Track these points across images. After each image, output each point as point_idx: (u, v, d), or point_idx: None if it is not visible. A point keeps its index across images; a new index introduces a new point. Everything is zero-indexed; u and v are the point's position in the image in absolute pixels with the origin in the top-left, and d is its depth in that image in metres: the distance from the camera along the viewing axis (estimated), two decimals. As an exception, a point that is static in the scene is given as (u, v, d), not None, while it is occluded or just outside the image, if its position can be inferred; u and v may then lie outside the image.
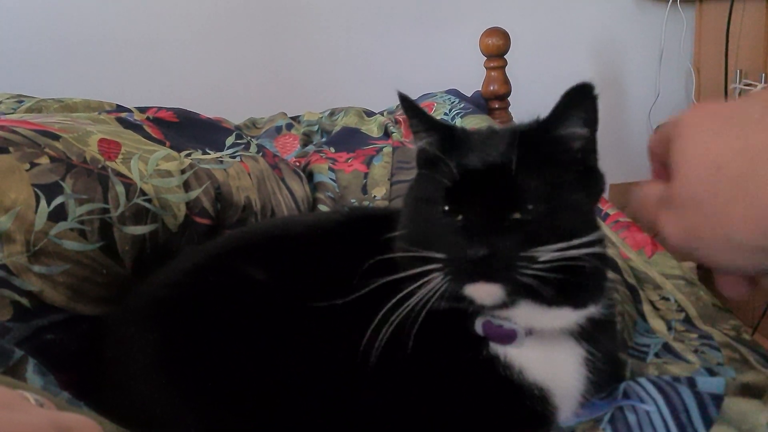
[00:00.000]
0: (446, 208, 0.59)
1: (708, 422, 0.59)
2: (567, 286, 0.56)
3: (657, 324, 0.85)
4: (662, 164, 0.46)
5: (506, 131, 0.63)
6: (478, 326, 0.61)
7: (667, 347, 0.77)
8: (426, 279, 0.56)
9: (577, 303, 0.60)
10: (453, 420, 0.61)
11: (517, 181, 0.56)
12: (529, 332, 0.61)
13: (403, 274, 0.57)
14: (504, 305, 0.57)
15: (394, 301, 0.57)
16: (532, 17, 2.28)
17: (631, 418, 0.60)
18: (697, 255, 0.43)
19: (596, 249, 0.56)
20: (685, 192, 0.42)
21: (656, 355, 0.76)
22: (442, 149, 0.62)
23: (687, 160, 0.42)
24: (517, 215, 0.56)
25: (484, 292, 0.56)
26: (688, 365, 0.71)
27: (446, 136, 0.64)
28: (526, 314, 0.59)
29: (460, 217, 0.58)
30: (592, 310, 0.62)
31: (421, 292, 0.56)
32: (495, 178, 0.58)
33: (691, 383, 0.64)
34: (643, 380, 0.65)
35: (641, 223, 0.50)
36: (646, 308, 0.89)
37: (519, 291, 0.56)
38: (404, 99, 0.65)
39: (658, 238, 0.44)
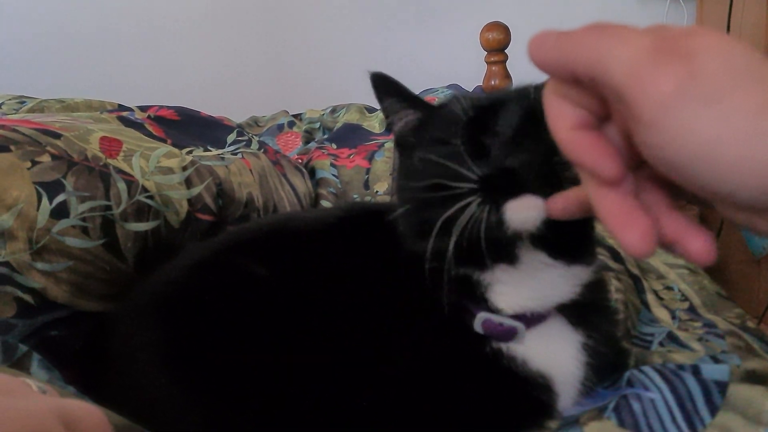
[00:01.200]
0: (468, 134, 0.56)
1: (713, 409, 0.59)
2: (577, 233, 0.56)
3: (661, 313, 0.84)
4: (572, 75, 0.36)
5: (505, 91, 0.61)
6: (478, 325, 0.61)
7: (671, 336, 0.77)
8: (459, 205, 0.52)
9: (582, 254, 0.61)
10: (460, 414, 0.60)
11: (534, 103, 0.53)
12: (534, 318, 0.61)
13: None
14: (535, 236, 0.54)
15: (437, 228, 0.53)
16: (532, 11, 2.27)
17: (636, 406, 0.60)
18: (664, 124, 0.32)
19: None
20: (708, 72, 0.32)
21: (660, 344, 0.76)
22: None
23: (716, 56, 0.32)
24: (540, 130, 0.49)
25: (529, 207, 0.51)
26: (693, 353, 0.71)
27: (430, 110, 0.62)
28: (535, 263, 0.58)
29: (490, 137, 0.55)
30: (588, 272, 0.62)
31: (459, 222, 0.52)
32: (511, 107, 0.56)
33: (696, 371, 0.63)
34: (647, 369, 0.65)
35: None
36: (650, 298, 0.88)
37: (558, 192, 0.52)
38: (378, 78, 0.63)
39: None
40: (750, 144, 0.30)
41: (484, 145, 0.55)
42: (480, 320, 0.60)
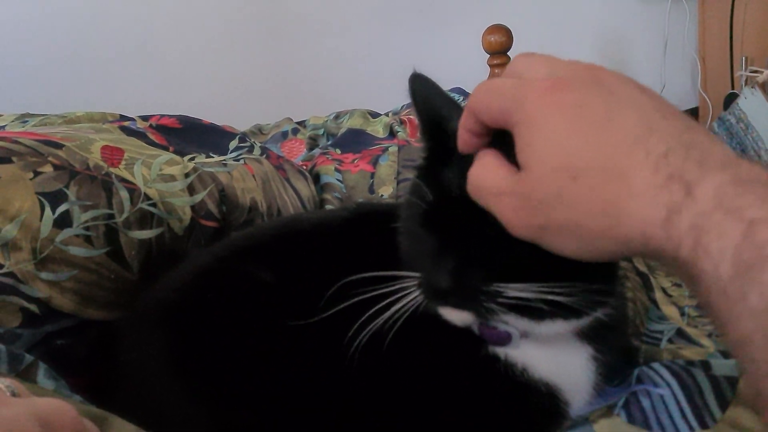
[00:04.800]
0: (422, 228, 0.56)
1: (723, 404, 0.58)
2: (553, 308, 0.51)
3: (669, 310, 0.84)
4: (481, 124, 0.46)
5: None
6: (474, 326, 0.59)
7: (680, 333, 0.77)
8: (403, 293, 0.55)
9: (570, 318, 0.55)
10: (458, 421, 0.60)
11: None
12: (526, 334, 0.59)
13: (378, 291, 0.56)
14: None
15: (369, 313, 0.55)
16: (534, 13, 2.27)
17: (645, 402, 0.59)
18: (540, 242, 0.42)
19: (576, 298, 0.51)
20: (536, 195, 0.40)
21: (670, 341, 0.75)
22: (428, 160, 0.58)
23: (538, 162, 0.40)
24: (492, 246, 0.50)
25: (454, 316, 0.54)
26: (702, 349, 0.70)
27: (440, 143, 0.57)
28: (516, 323, 0.55)
29: (434, 239, 0.54)
30: (596, 314, 0.56)
31: (396, 305, 0.55)
32: (475, 204, 0.50)
33: (706, 366, 0.63)
34: (656, 365, 0.64)
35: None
36: (658, 295, 0.88)
37: (492, 315, 0.52)
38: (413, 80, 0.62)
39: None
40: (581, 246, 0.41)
41: (433, 241, 0.54)
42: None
